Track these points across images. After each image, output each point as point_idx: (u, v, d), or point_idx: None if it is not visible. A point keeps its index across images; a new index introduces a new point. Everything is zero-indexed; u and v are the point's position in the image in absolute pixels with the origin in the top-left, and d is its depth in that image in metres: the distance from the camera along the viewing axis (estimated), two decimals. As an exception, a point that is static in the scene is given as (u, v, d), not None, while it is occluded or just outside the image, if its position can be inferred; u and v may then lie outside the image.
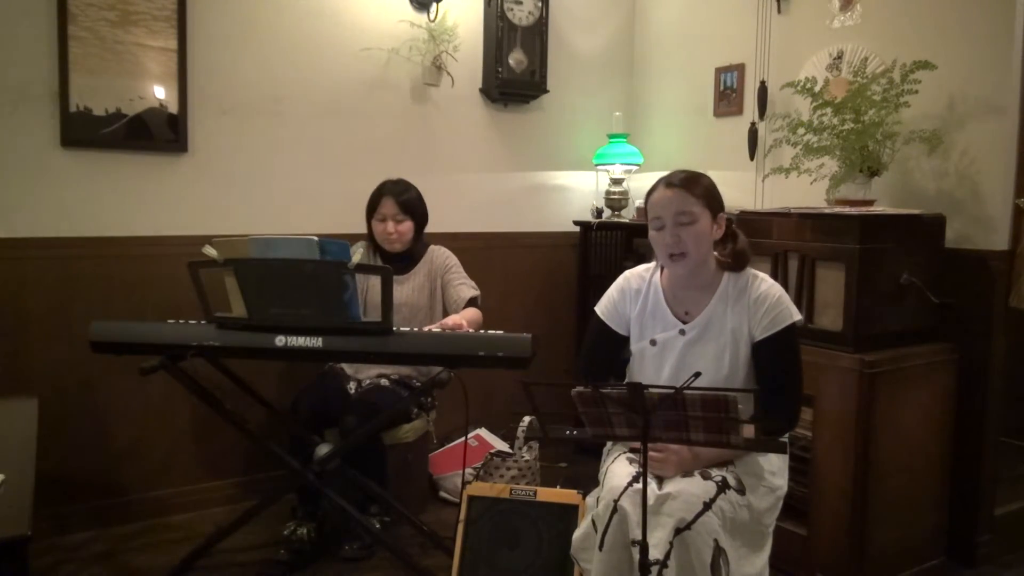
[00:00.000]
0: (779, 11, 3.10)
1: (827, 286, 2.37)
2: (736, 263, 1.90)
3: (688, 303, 1.92)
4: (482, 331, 2.25)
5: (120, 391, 2.72)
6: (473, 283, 2.78)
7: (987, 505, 2.57)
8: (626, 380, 2.01)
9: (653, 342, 1.93)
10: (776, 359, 1.85)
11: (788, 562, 2.35)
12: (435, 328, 2.35)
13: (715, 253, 1.91)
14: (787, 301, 1.87)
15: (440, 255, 2.84)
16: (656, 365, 1.92)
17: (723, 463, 1.83)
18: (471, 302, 2.70)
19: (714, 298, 1.89)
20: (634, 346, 1.98)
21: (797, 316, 1.86)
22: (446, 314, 2.72)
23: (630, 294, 1.99)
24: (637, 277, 2.01)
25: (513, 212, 3.59)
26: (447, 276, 2.79)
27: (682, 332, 1.90)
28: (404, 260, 2.76)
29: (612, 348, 2.01)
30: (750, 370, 1.88)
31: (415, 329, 2.27)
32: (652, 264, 2.01)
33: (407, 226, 2.72)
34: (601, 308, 2.03)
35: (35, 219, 2.59)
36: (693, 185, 1.83)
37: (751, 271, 1.91)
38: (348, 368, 2.76)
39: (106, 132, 2.65)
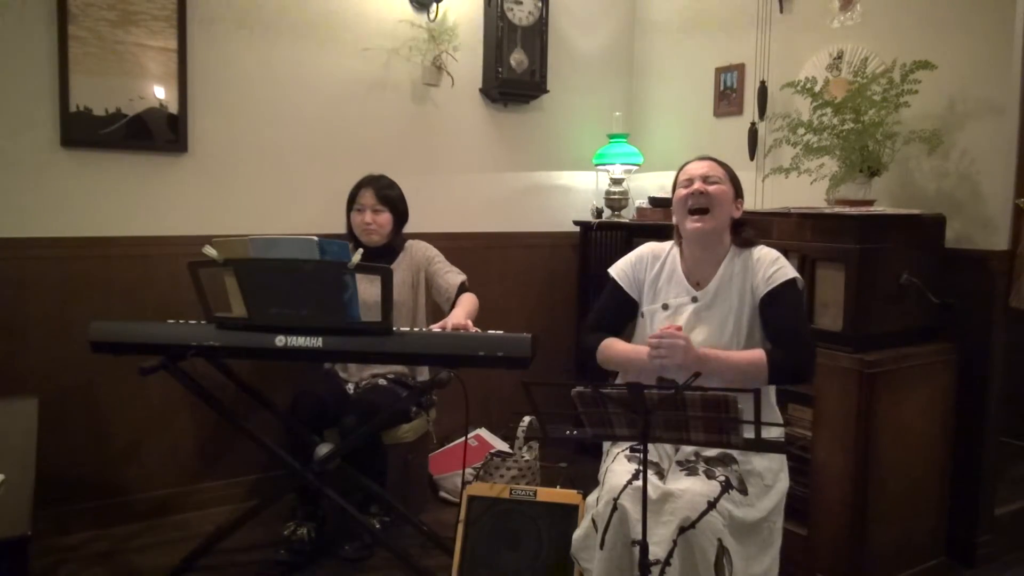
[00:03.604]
0: (780, 11, 3.10)
1: (827, 286, 2.37)
2: (744, 246, 2.03)
3: (700, 274, 2.03)
4: (481, 331, 2.25)
5: (120, 391, 2.72)
6: (458, 269, 2.78)
7: (987, 505, 2.57)
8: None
9: (665, 306, 2.03)
10: (782, 311, 1.93)
11: (788, 562, 2.34)
12: (436, 328, 2.34)
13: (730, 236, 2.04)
14: (786, 262, 1.98)
15: (419, 248, 2.82)
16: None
17: (725, 462, 1.83)
18: (461, 287, 2.70)
19: (722, 266, 2.00)
20: (645, 308, 2.07)
21: (796, 275, 1.96)
22: (435, 307, 2.72)
23: (648, 259, 2.11)
24: (656, 247, 2.13)
25: (513, 212, 3.59)
26: (431, 268, 2.78)
27: (694, 300, 2.00)
28: (384, 255, 2.72)
29: (621, 312, 2.11)
30: (756, 332, 1.96)
31: (416, 329, 2.26)
32: (670, 242, 2.13)
33: (385, 217, 2.71)
34: (616, 271, 2.13)
35: (35, 219, 2.59)
36: (722, 163, 2.07)
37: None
38: (341, 371, 2.76)
39: (106, 132, 2.65)
